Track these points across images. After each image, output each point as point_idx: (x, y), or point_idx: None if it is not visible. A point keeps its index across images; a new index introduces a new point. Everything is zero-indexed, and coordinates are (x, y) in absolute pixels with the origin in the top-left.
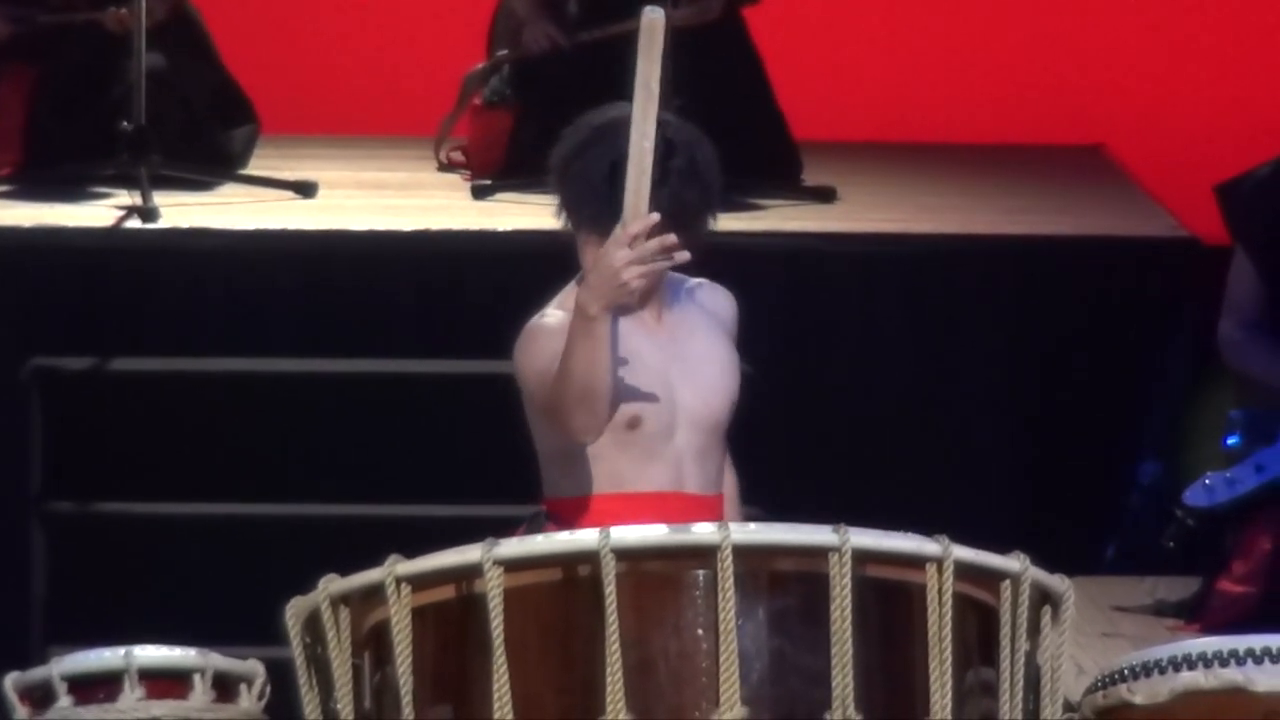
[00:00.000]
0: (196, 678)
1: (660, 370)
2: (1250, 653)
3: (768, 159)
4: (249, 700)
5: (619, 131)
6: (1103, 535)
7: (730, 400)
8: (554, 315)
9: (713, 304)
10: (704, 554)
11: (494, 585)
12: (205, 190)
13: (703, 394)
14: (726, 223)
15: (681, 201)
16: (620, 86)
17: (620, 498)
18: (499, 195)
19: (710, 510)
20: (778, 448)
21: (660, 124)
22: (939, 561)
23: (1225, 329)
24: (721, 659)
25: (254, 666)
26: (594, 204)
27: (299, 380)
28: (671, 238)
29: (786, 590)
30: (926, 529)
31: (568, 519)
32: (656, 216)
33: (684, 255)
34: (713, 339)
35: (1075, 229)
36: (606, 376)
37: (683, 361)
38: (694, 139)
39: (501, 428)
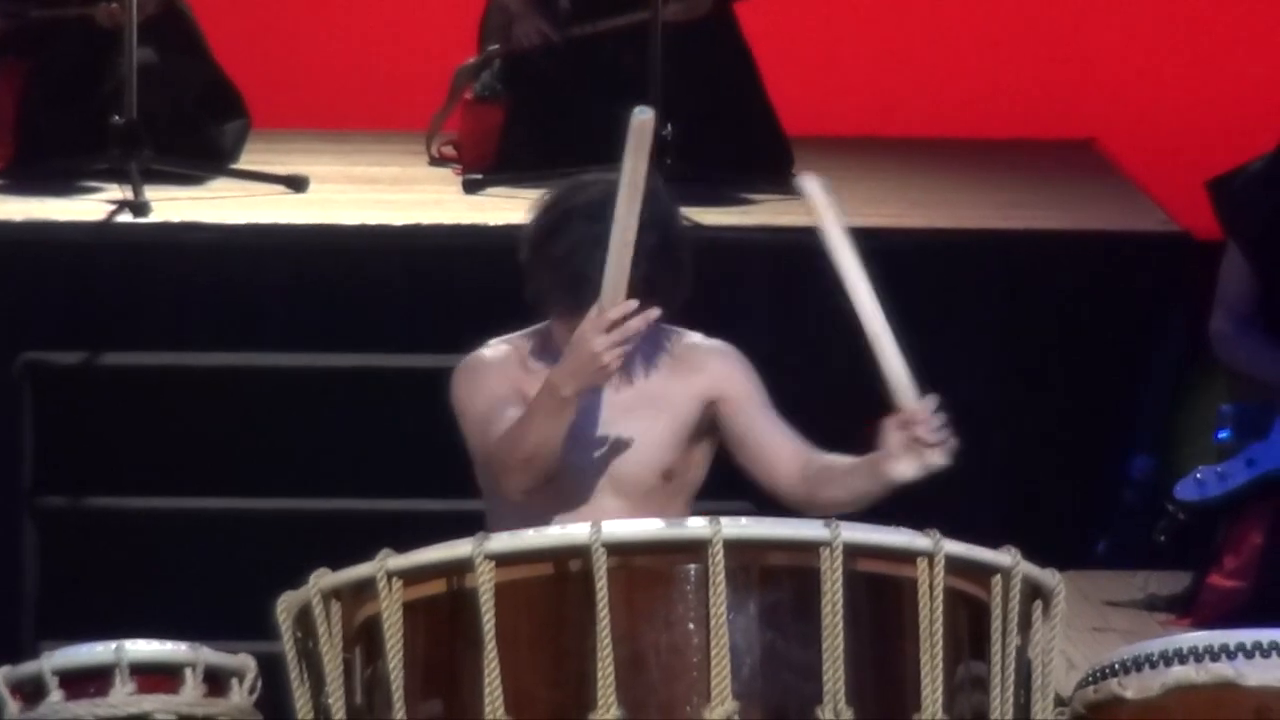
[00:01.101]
0: (188, 672)
1: (594, 428)
2: (1241, 647)
3: (759, 154)
4: (240, 695)
5: (594, 215)
6: (1094, 530)
7: (660, 471)
8: (495, 349)
9: (698, 364)
10: (695, 548)
11: (485, 580)
12: (196, 185)
13: (632, 463)
14: (718, 217)
15: (653, 280)
16: (610, 82)
17: None
18: (490, 190)
19: None
20: None
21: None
22: (930, 556)
23: (1217, 323)
24: (713, 653)
25: (245, 661)
26: (569, 288)
27: (290, 374)
28: (655, 311)
29: (778, 585)
30: (918, 523)
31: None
32: (635, 303)
33: (654, 313)
34: (670, 407)
35: (1066, 224)
36: (559, 450)
37: (625, 423)
38: (667, 215)
39: None
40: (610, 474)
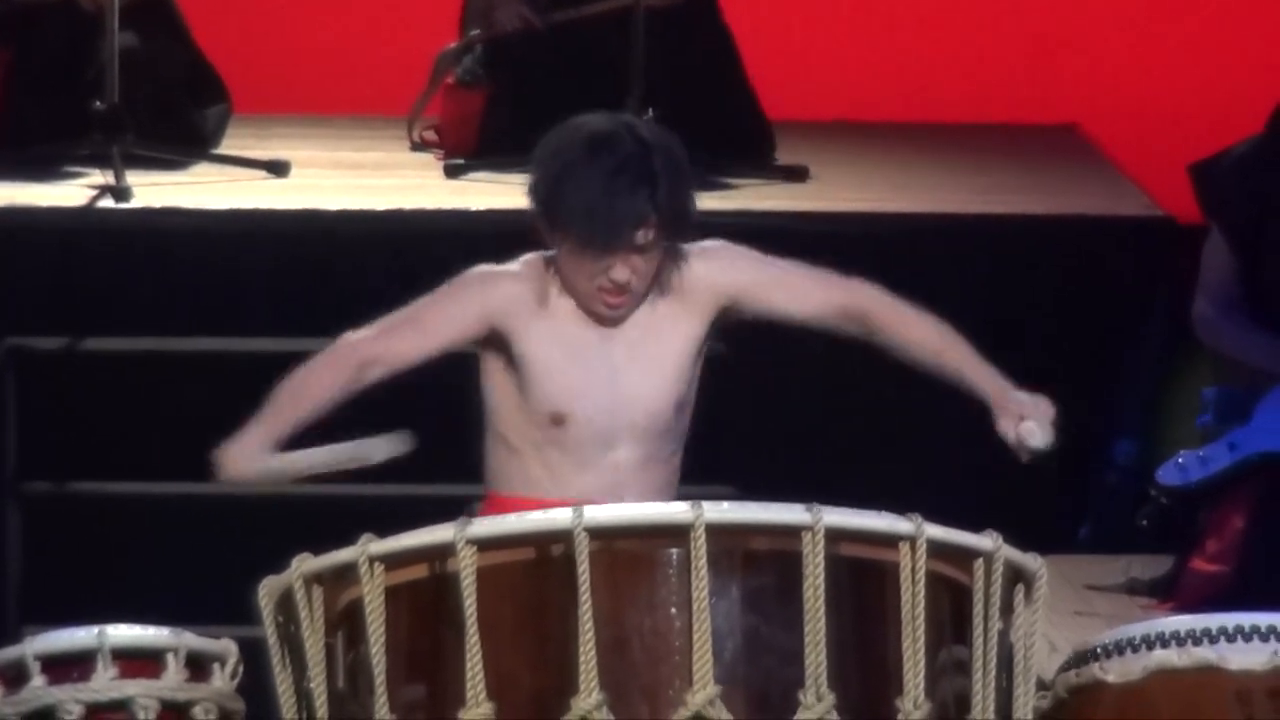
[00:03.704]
0: (170, 657)
1: (601, 370)
2: (1223, 631)
3: (740, 138)
4: (222, 679)
5: (600, 149)
6: (1076, 514)
7: (674, 405)
8: (505, 266)
9: (692, 279)
10: (677, 533)
11: (467, 564)
12: (178, 170)
13: (647, 403)
14: (699, 202)
15: (677, 194)
16: (591, 67)
17: (549, 504)
18: (472, 174)
19: None
20: (750, 427)
21: (630, 124)
22: (912, 540)
23: (1200, 307)
24: (695, 637)
25: (227, 646)
26: (588, 227)
27: (273, 359)
28: None
29: (760, 569)
30: (899, 508)
31: (493, 507)
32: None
33: None
34: (676, 332)
35: (1049, 208)
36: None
37: (634, 365)
38: (662, 134)
39: (475, 407)
40: (628, 421)
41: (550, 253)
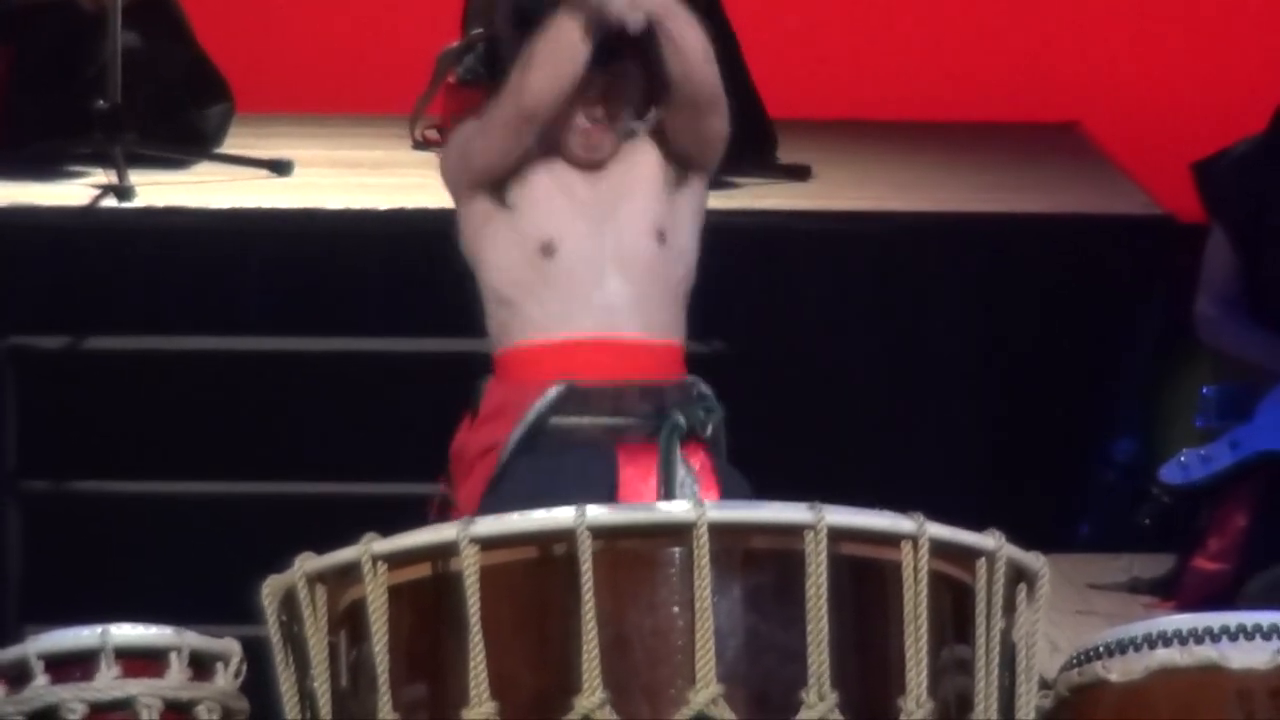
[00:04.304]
0: (172, 656)
1: (585, 202)
2: (1225, 630)
3: (742, 137)
4: (225, 679)
5: None
6: (1078, 513)
7: (654, 232)
8: None
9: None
10: (679, 532)
11: (470, 563)
12: (180, 169)
13: (627, 229)
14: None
15: None
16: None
17: (552, 347)
18: None
19: (653, 356)
20: (750, 426)
21: None
22: (914, 539)
23: (1201, 306)
24: (697, 636)
25: (230, 645)
26: None
27: (274, 358)
28: None
29: (762, 568)
30: (901, 506)
31: (505, 374)
32: None
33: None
34: (643, 155)
35: (1049, 206)
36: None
37: (612, 196)
38: None
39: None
40: (614, 252)
41: None
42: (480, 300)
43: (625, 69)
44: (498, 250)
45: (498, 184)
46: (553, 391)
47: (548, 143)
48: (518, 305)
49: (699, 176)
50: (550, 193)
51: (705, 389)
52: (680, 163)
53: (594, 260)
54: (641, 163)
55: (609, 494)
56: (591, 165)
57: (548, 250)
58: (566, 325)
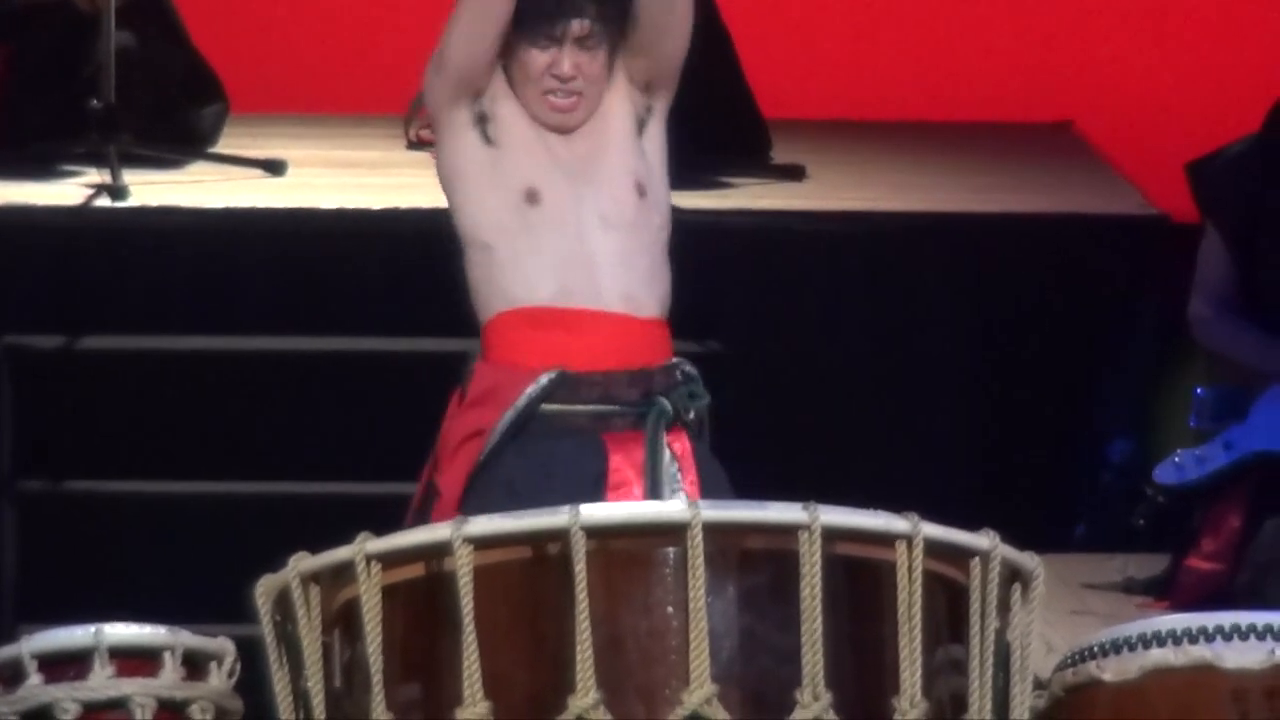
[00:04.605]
0: (166, 656)
1: (564, 157)
2: (1220, 630)
3: (736, 137)
4: (219, 678)
5: None
6: (1072, 513)
7: (633, 185)
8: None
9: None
10: (674, 532)
11: (463, 563)
12: (175, 169)
13: (607, 184)
14: (695, 200)
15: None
16: None
17: (540, 318)
18: None
19: (641, 334)
20: (745, 426)
21: None
22: (909, 539)
23: (1195, 307)
24: (691, 637)
25: (224, 644)
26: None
27: (269, 358)
28: None
29: (756, 568)
30: (896, 506)
31: (494, 353)
32: None
33: None
34: (610, 106)
35: (1044, 206)
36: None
37: (590, 154)
38: None
39: None
40: (594, 207)
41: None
42: (463, 259)
43: (594, 38)
44: (481, 190)
45: (478, 91)
46: (544, 379)
47: (521, 98)
48: (499, 253)
49: (661, 105)
50: (531, 141)
51: (690, 369)
52: (644, 92)
53: (576, 215)
54: (611, 114)
55: (597, 482)
56: (566, 130)
57: (531, 198)
58: (552, 285)
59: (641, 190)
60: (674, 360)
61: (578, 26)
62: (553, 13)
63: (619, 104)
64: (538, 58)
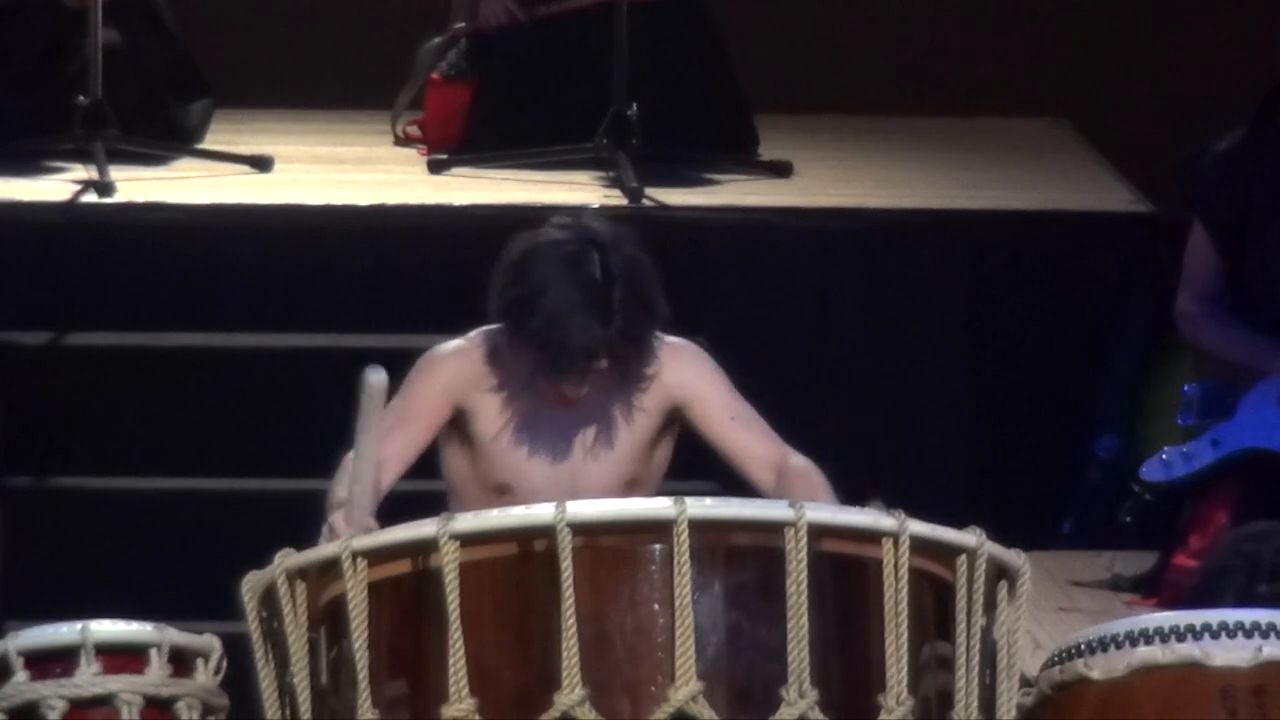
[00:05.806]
0: (153, 652)
1: (551, 443)
2: (1207, 627)
3: (724, 133)
4: (205, 675)
5: (567, 278)
6: (1059, 510)
7: (624, 481)
8: (452, 344)
9: (658, 371)
10: (660, 528)
11: (450, 560)
12: (161, 165)
13: (595, 477)
14: (683, 197)
15: (633, 330)
16: (576, 62)
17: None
18: (455, 169)
19: None
20: None
21: (602, 248)
22: (895, 536)
23: (1182, 303)
24: (677, 633)
25: (210, 641)
26: (545, 356)
27: (255, 354)
28: None
29: (743, 565)
30: (883, 503)
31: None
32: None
33: None
34: (630, 418)
35: (1033, 203)
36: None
37: (586, 441)
38: (630, 262)
39: None
40: (574, 490)
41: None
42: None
43: (607, 366)
44: (459, 474)
45: (457, 418)
46: None
47: (519, 379)
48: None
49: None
50: (511, 440)
51: None
52: (670, 433)
53: (549, 496)
54: (624, 418)
55: None
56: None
57: (502, 490)
58: None
59: (633, 485)
60: None
61: (592, 367)
62: (562, 363)
63: (641, 414)
64: (545, 375)
